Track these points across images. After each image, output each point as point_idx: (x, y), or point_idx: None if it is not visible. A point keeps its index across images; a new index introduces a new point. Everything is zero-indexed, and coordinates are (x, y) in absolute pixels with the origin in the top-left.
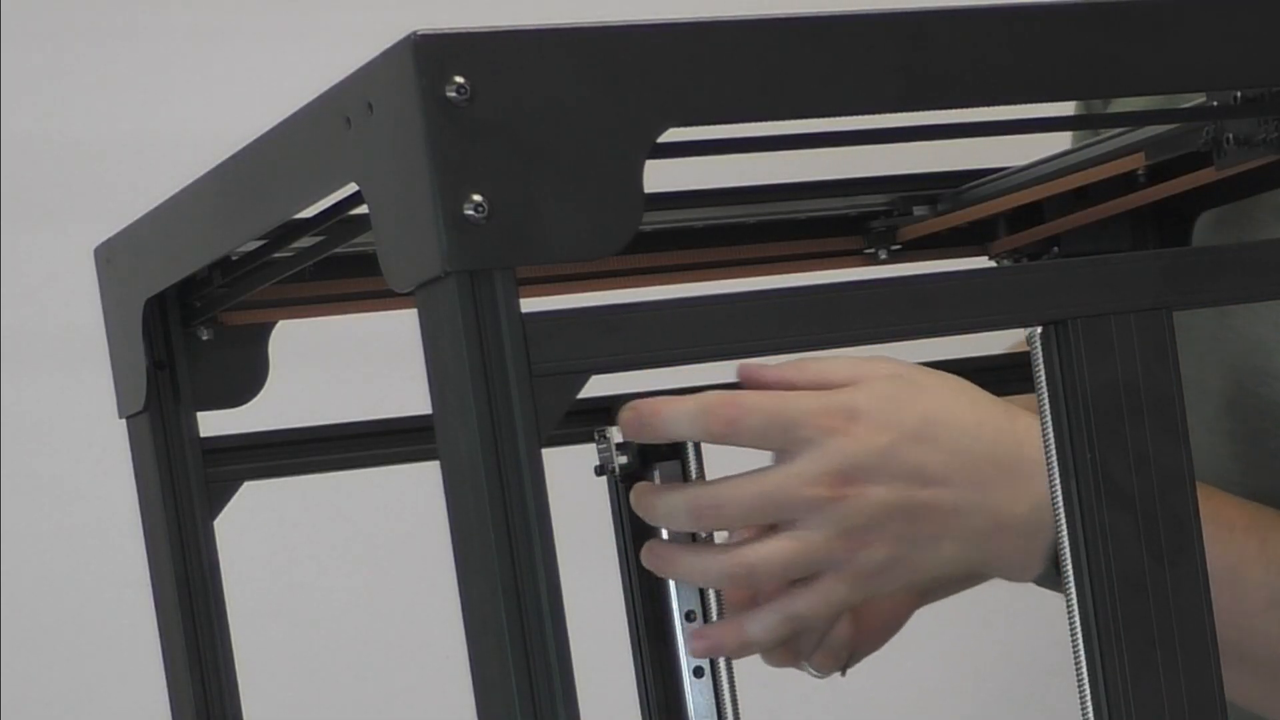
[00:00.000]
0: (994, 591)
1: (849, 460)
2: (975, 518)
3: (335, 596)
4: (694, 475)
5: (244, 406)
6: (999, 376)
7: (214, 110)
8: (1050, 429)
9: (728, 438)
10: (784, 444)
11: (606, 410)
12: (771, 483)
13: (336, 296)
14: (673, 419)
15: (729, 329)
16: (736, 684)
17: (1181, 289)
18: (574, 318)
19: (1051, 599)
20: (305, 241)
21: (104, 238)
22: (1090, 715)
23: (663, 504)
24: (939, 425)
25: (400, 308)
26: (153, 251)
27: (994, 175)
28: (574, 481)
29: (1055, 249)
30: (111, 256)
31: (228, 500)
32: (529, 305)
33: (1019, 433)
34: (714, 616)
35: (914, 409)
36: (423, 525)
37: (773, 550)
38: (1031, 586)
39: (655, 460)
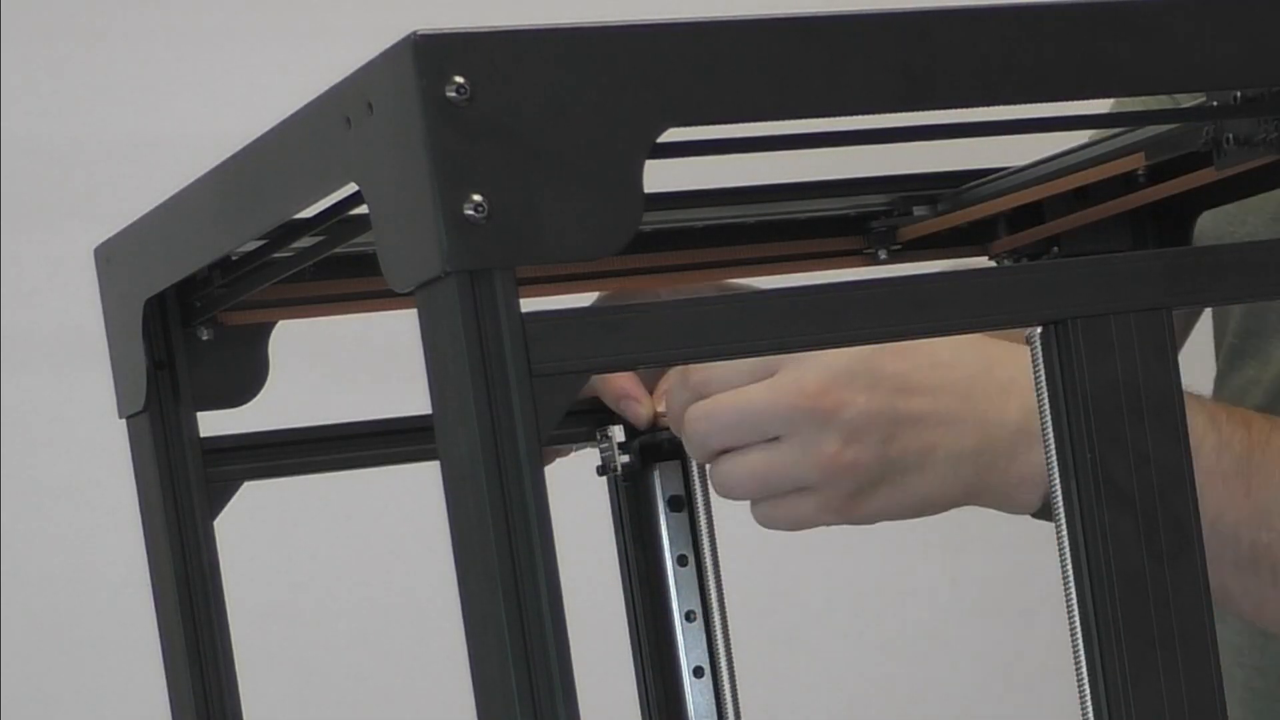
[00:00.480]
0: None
1: (828, 371)
2: (963, 429)
3: (335, 596)
4: (695, 475)
5: (244, 406)
6: None
7: (214, 110)
8: (1050, 429)
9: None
10: (765, 374)
11: (606, 410)
12: (746, 398)
13: (336, 296)
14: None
15: (729, 329)
16: (737, 684)
17: (1181, 289)
18: (574, 318)
19: (1050, 597)
20: (305, 241)
21: (104, 238)
22: (1090, 715)
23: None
24: (916, 347)
25: (400, 308)
26: (153, 251)
27: (994, 175)
28: (574, 481)
29: (1055, 249)
30: (111, 256)
31: (228, 500)
32: (529, 305)
33: (993, 354)
34: (714, 617)
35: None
36: (423, 525)
37: (740, 465)
38: (1030, 580)
39: (656, 460)
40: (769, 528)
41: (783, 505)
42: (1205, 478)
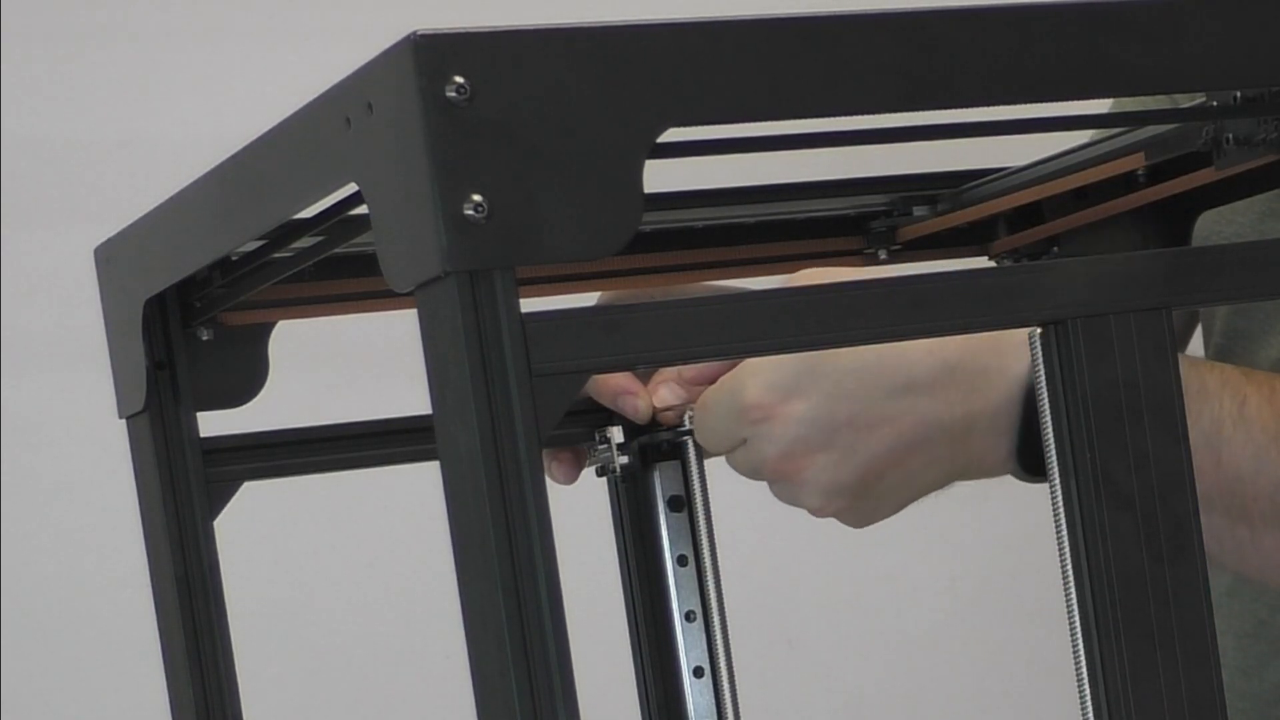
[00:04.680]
0: (994, 592)
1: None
2: (950, 421)
3: (335, 596)
4: (695, 475)
5: (244, 406)
6: None
7: (214, 110)
8: (1050, 429)
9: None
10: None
11: (605, 410)
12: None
13: (336, 296)
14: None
15: (729, 329)
16: (737, 684)
17: (1181, 289)
18: (574, 318)
19: (1050, 597)
20: (305, 241)
21: (104, 238)
22: (1090, 715)
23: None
24: (879, 352)
25: (400, 308)
26: (152, 251)
27: (994, 175)
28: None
29: (1055, 249)
30: (111, 256)
31: (228, 500)
32: (529, 305)
33: (951, 346)
34: (714, 617)
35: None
36: (423, 525)
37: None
38: (1030, 580)
39: (655, 460)
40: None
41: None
42: None
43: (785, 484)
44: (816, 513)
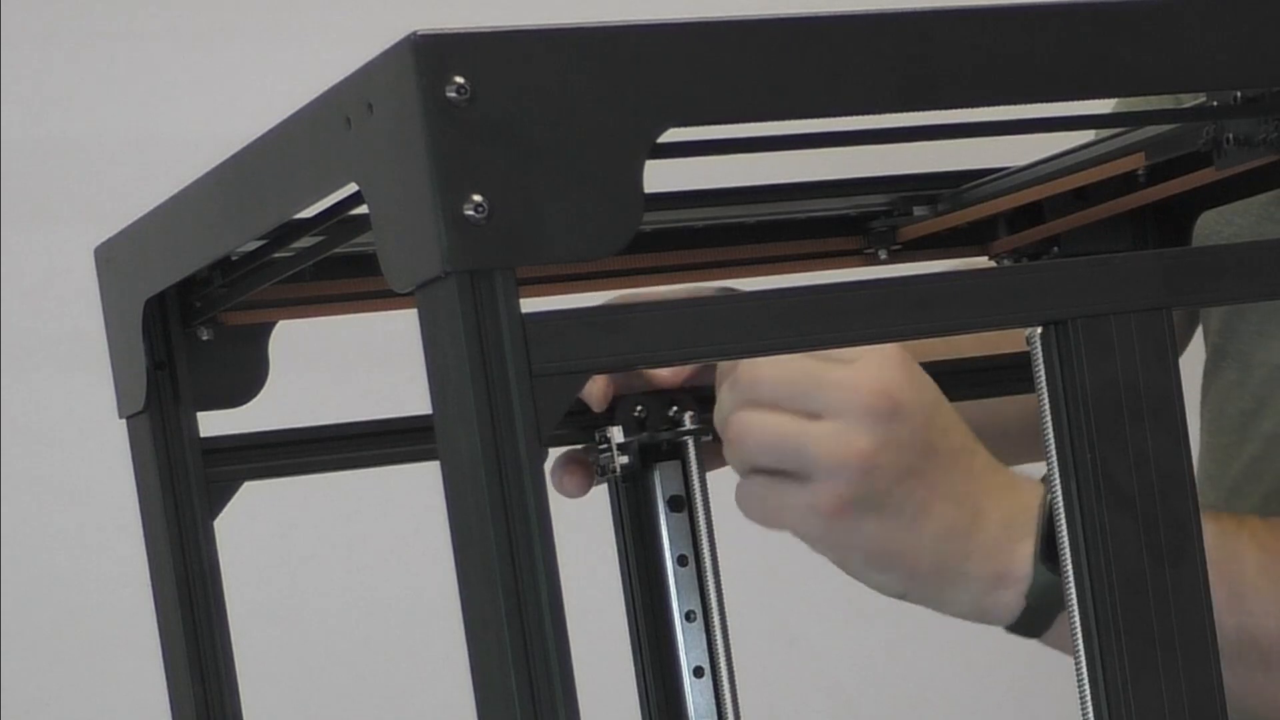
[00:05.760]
0: None
1: (892, 374)
2: (960, 508)
3: (335, 596)
4: (695, 475)
5: (244, 406)
6: (999, 376)
7: (214, 110)
8: (1050, 429)
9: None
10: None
11: (606, 410)
12: (816, 367)
13: (336, 296)
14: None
15: (729, 329)
16: (737, 684)
17: (1181, 289)
18: (574, 318)
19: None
20: (305, 241)
21: (104, 238)
22: (1090, 715)
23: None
24: (950, 414)
25: (400, 308)
26: (153, 251)
27: (994, 175)
28: None
29: (1055, 249)
30: (111, 256)
31: (228, 500)
32: (529, 305)
33: (992, 459)
34: (714, 617)
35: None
36: (423, 525)
37: (765, 419)
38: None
39: (656, 460)
40: (748, 514)
41: (775, 489)
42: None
43: (867, 411)
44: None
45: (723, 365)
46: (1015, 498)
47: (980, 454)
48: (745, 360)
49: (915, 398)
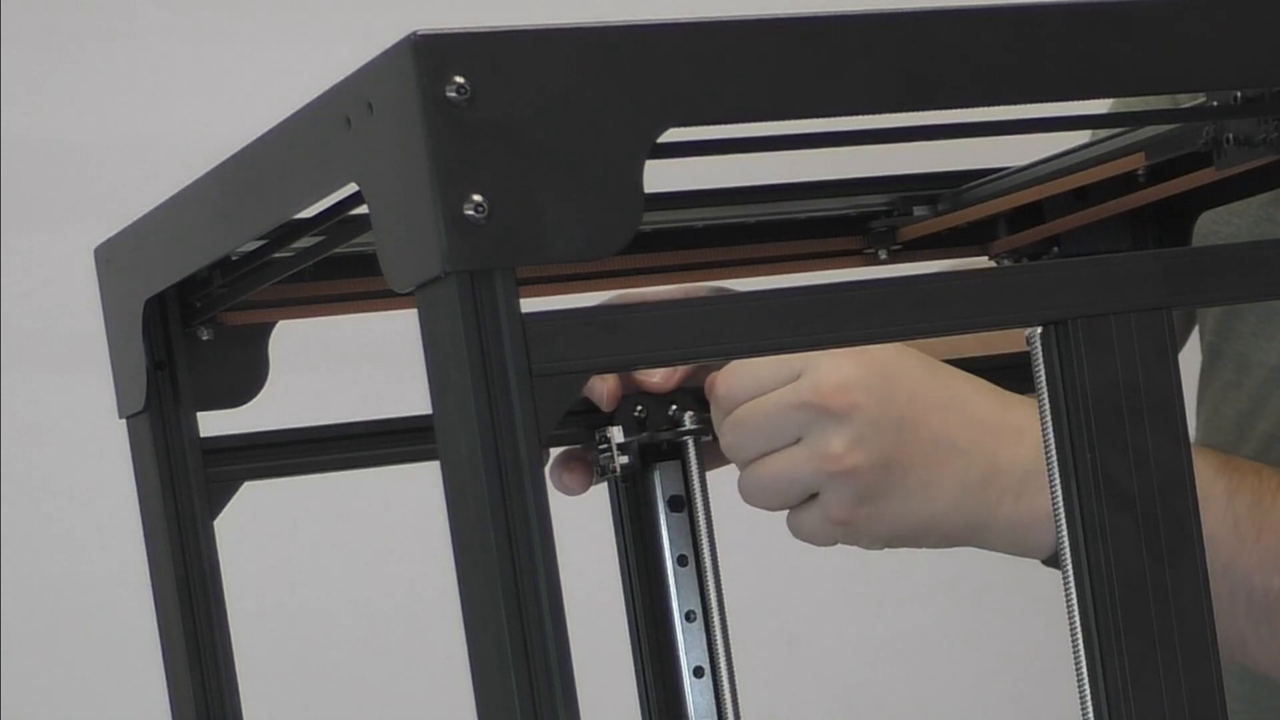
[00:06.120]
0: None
1: (841, 374)
2: (970, 460)
3: (335, 596)
4: (695, 475)
5: (244, 406)
6: (999, 376)
7: (214, 110)
8: (1050, 429)
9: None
10: (789, 378)
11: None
12: (767, 403)
13: (336, 296)
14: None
15: (729, 329)
16: (737, 684)
17: (1181, 289)
18: (574, 318)
19: (1050, 597)
20: (305, 241)
21: (104, 238)
22: (1090, 715)
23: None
24: (936, 372)
25: (400, 308)
26: (153, 251)
27: (994, 175)
28: None
29: (1055, 249)
30: (111, 257)
31: (228, 500)
32: (529, 305)
33: (1010, 399)
34: (714, 617)
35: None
36: (423, 525)
37: (758, 470)
38: (1030, 580)
39: (656, 460)
40: (800, 539)
41: (796, 516)
42: (1216, 524)
43: (823, 418)
44: (825, 484)
45: (707, 381)
46: (1028, 442)
47: (972, 400)
48: (722, 426)
49: (869, 383)
